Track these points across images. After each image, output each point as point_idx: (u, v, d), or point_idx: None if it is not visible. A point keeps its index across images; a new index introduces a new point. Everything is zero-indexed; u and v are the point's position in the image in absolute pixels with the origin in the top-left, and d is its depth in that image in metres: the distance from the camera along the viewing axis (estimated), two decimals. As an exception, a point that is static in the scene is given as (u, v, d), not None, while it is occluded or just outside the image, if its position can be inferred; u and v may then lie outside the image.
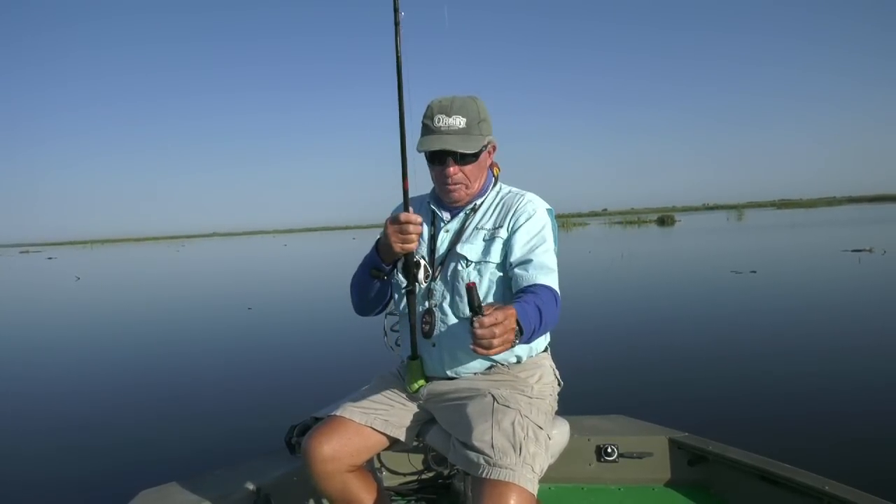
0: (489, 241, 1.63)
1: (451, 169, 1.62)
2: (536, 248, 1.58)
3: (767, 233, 26.61)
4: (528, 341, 1.42)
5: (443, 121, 1.60)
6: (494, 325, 1.20)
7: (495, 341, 1.20)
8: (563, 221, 52.74)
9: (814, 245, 18.32)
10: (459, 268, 1.62)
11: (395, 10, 1.52)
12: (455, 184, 1.65)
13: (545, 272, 1.54)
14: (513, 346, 1.29)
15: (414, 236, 1.52)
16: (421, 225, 1.54)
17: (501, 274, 1.62)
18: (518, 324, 1.29)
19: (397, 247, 1.53)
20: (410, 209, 1.59)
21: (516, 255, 1.58)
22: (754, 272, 11.06)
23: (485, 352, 1.22)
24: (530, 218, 1.62)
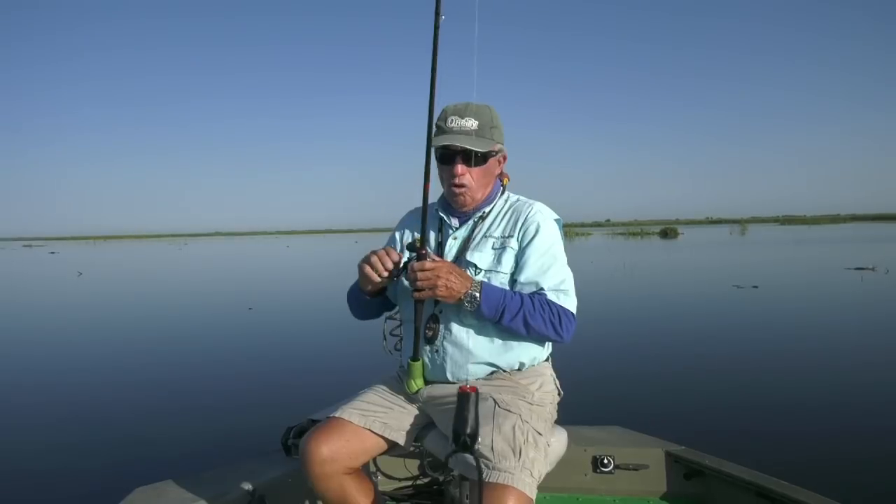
0: (500, 251, 1.64)
1: (459, 168, 1.63)
2: (548, 268, 1.60)
3: (770, 248, 26.58)
4: (500, 316, 1.53)
5: (455, 122, 1.63)
6: (421, 269, 1.48)
7: (421, 282, 1.47)
8: (567, 231, 52.57)
9: (816, 262, 18.27)
10: (470, 275, 1.62)
11: (437, 14, 1.52)
12: (462, 185, 1.66)
13: (557, 294, 1.59)
14: (471, 303, 1.52)
15: (377, 278, 1.56)
16: (392, 258, 1.57)
17: (511, 284, 1.63)
18: (482, 290, 1.52)
19: (367, 287, 1.62)
20: (398, 242, 1.78)
21: (526, 275, 1.60)
22: (756, 287, 11.04)
23: (418, 294, 1.50)
24: (539, 232, 1.63)
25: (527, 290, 1.60)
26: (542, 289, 1.58)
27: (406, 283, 1.63)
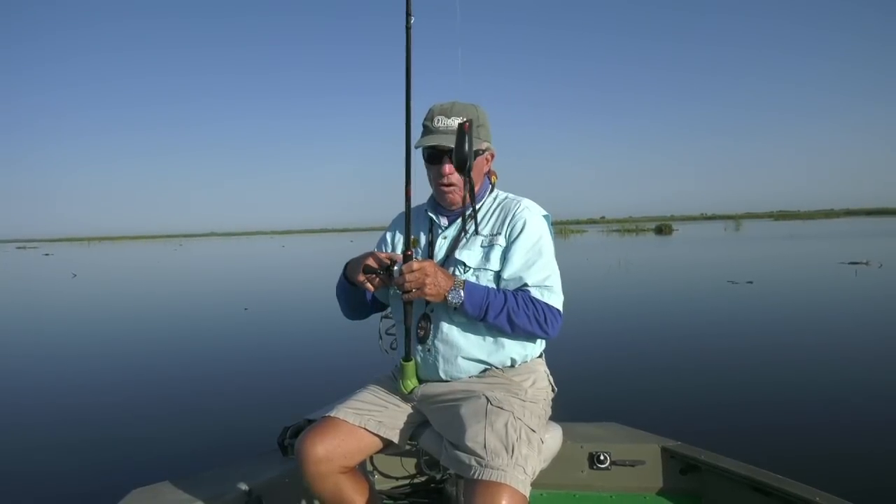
0: (488, 248, 1.64)
1: (447, 168, 1.64)
2: (533, 264, 1.60)
3: (765, 244, 26.65)
4: (483, 314, 1.54)
5: (442, 121, 1.63)
6: (409, 270, 1.47)
7: (409, 284, 1.48)
8: (561, 228, 52.71)
9: (811, 257, 18.33)
10: (458, 273, 1.62)
11: (408, 15, 1.52)
12: (450, 184, 1.66)
13: (541, 291, 1.59)
14: (454, 303, 1.52)
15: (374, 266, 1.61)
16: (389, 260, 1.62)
17: (496, 281, 1.63)
18: (465, 288, 1.53)
19: (360, 277, 1.62)
20: (388, 243, 1.79)
21: (511, 271, 1.60)
22: (751, 283, 11.07)
23: (407, 296, 1.51)
24: (525, 228, 1.63)
25: (511, 286, 1.60)
26: (526, 284, 1.58)
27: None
